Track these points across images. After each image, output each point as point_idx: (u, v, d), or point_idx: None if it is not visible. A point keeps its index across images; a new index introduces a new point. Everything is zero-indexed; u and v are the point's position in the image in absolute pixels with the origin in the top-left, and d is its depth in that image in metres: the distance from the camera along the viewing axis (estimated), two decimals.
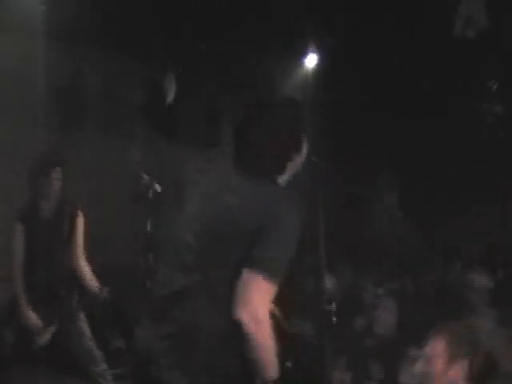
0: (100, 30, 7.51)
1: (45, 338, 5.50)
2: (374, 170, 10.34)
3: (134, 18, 7.60)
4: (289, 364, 3.53)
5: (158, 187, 6.36)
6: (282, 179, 3.16)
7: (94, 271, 5.80)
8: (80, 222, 5.76)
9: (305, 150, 3.21)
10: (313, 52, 9.02)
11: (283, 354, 3.01)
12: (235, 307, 2.81)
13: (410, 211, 10.26)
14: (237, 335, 2.82)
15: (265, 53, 8.50)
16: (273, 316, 3.04)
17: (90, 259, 5.86)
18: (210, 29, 8.14)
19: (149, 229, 6.33)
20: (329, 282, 6.02)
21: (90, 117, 8.25)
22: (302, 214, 3.01)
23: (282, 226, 2.91)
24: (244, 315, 2.79)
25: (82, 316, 5.67)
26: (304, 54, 9.12)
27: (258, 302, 2.81)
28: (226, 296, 2.87)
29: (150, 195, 6.35)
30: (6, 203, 6.43)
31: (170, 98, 8.41)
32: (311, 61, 9.15)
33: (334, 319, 5.30)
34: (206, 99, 9.12)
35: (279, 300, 3.00)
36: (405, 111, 9.44)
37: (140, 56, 8.15)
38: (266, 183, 3.06)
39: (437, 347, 3.49)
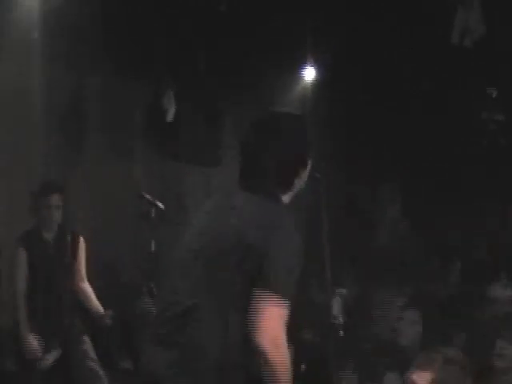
0: (99, 49, 7.52)
1: (48, 362, 5.48)
2: (375, 180, 10.31)
3: (133, 36, 7.61)
4: (303, 366, 3.52)
5: (160, 205, 6.33)
6: (287, 197, 3.13)
7: (98, 293, 5.80)
8: (82, 246, 5.80)
9: (309, 166, 3.18)
10: (312, 65, 9.02)
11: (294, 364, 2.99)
12: (254, 334, 2.78)
13: (413, 219, 10.22)
14: (252, 360, 2.80)
15: (264, 66, 8.51)
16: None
17: (94, 281, 5.85)
18: (209, 43, 8.15)
19: (153, 248, 6.30)
20: (336, 297, 6.01)
21: (91, 137, 8.24)
22: (302, 230, 2.99)
23: (286, 245, 2.87)
24: (265, 342, 2.76)
25: (86, 339, 5.66)
26: (303, 67, 9.12)
27: (276, 329, 2.80)
28: (233, 317, 2.84)
29: (153, 214, 6.32)
30: (7, 227, 6.42)
31: (170, 116, 8.40)
32: (310, 74, 9.14)
33: (341, 332, 5.28)
34: (207, 115, 9.11)
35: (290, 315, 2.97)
36: (405, 121, 9.42)
37: (139, 74, 8.14)
38: (269, 201, 3.02)
39: (424, 379, 3.18)
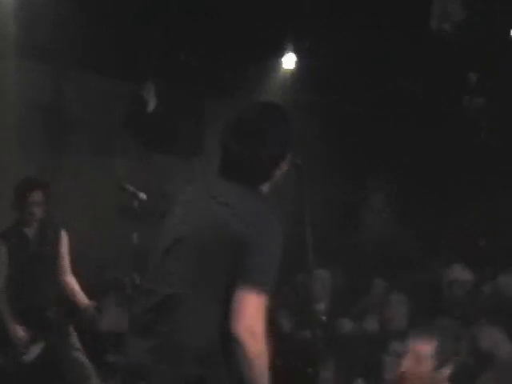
0: (78, 46, 7.48)
1: (32, 354, 5.49)
2: (361, 171, 10.34)
3: (112, 31, 7.58)
4: (310, 370, 3.54)
5: (143, 196, 6.31)
6: (266, 186, 3.13)
7: (82, 286, 5.81)
8: (64, 240, 5.81)
9: (289, 156, 3.18)
10: (291, 51, 9.00)
11: (276, 354, 2.99)
12: (232, 323, 2.79)
13: (399, 213, 10.27)
14: (230, 349, 2.80)
15: (246, 60, 8.51)
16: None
17: (78, 275, 5.86)
18: (191, 37, 8.13)
19: (135, 241, 6.28)
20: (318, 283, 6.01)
21: (72, 132, 8.22)
22: (283, 221, 2.99)
23: (267, 236, 2.89)
24: (242, 331, 2.78)
25: (71, 330, 5.67)
26: (282, 55, 9.10)
27: (255, 319, 2.80)
28: (214, 308, 2.86)
29: (136, 205, 6.30)
30: None
31: (151, 107, 8.38)
32: (289, 62, 9.12)
33: (324, 318, 5.30)
34: (188, 106, 9.10)
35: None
36: (388, 108, 9.45)
37: (119, 69, 8.11)
38: (249, 190, 3.04)
39: (426, 347, 3.45)
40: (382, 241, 9.89)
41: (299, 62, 9.07)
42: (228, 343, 2.82)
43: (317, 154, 8.59)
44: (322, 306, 5.53)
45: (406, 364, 3.50)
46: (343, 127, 9.83)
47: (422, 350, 3.46)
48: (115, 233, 7.79)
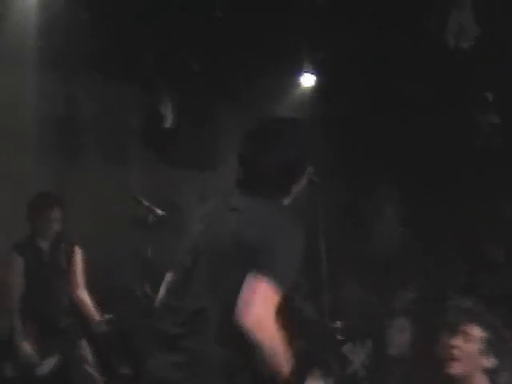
0: (94, 56, 7.51)
1: (45, 368, 5.48)
2: (373, 183, 10.32)
3: (128, 43, 7.61)
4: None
5: (159, 211, 6.31)
6: (287, 201, 3.14)
7: (96, 299, 5.82)
8: (77, 255, 5.83)
9: (307, 171, 3.19)
10: (309, 71, 9.01)
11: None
12: (239, 312, 2.73)
13: (410, 223, 10.22)
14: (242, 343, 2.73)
15: (261, 73, 8.51)
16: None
17: (92, 287, 5.87)
18: (205, 49, 8.15)
19: (149, 255, 6.28)
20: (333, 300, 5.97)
21: (87, 144, 8.24)
22: (303, 231, 2.98)
23: (286, 243, 2.87)
24: (249, 321, 2.71)
25: (83, 343, 5.67)
26: (300, 73, 9.11)
27: (261, 308, 2.73)
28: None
29: (151, 220, 6.31)
30: (5, 236, 6.41)
31: (169, 122, 8.40)
32: (307, 79, 9.13)
33: (339, 337, 5.25)
34: (204, 121, 9.11)
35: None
36: (402, 125, 9.43)
37: (135, 80, 8.14)
38: (268, 204, 3.03)
39: (477, 329, 3.59)
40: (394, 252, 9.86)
41: (316, 78, 9.07)
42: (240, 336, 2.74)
43: (330, 167, 8.58)
44: (338, 324, 5.47)
45: (456, 342, 3.58)
46: (355, 141, 9.81)
47: (473, 331, 3.58)
48: (128, 245, 7.80)
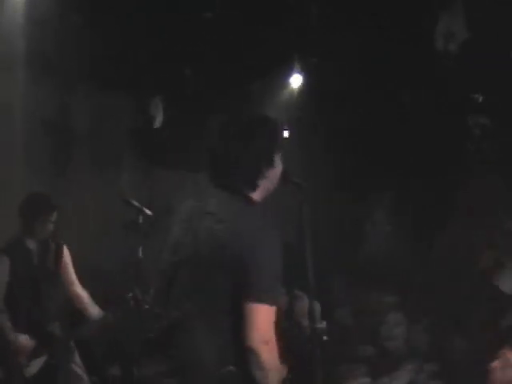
0: (84, 60, 7.53)
1: (34, 368, 5.50)
2: (363, 186, 10.33)
3: (118, 46, 7.63)
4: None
5: (148, 212, 6.33)
6: (256, 196, 3.14)
7: None
8: (66, 255, 5.83)
9: (279, 167, 3.20)
10: (298, 72, 9.04)
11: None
12: (246, 336, 2.83)
13: (401, 226, 10.24)
14: (245, 361, 2.84)
15: (250, 73, 8.53)
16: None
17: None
18: (195, 52, 8.17)
19: (140, 255, 6.29)
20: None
21: (77, 146, 8.26)
22: (279, 232, 3.01)
23: (264, 249, 2.90)
24: (256, 343, 2.82)
25: (72, 345, 5.69)
26: (290, 74, 9.14)
27: (267, 330, 2.86)
28: (223, 325, 2.90)
29: (141, 221, 6.32)
30: None
31: (157, 123, 8.42)
32: (296, 80, 9.16)
33: (325, 337, 5.28)
34: (193, 123, 9.13)
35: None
36: (392, 127, 9.46)
37: (126, 83, 8.16)
38: (242, 203, 3.06)
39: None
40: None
41: (305, 80, 9.10)
42: (242, 356, 2.85)
43: (321, 172, 8.61)
44: (323, 325, 5.51)
45: (496, 365, 3.69)
46: (349, 144, 9.83)
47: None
48: (119, 247, 7.82)
